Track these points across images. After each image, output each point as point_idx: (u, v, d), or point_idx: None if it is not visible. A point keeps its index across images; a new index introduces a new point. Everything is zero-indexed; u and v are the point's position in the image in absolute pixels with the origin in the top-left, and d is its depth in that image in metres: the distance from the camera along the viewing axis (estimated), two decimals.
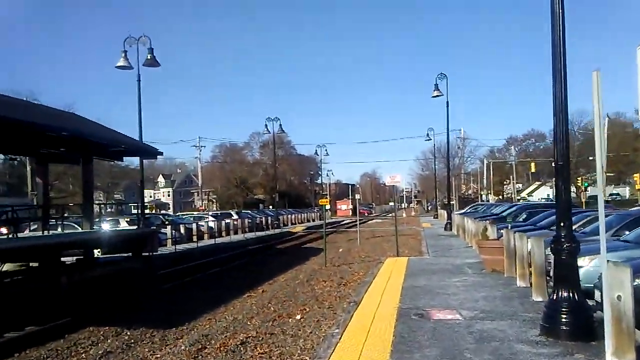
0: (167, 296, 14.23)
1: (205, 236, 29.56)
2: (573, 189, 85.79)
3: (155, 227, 21.02)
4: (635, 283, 5.52)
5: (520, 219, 21.97)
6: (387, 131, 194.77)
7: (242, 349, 8.14)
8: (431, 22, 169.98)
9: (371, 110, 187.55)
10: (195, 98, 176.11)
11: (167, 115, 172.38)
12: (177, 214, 52.11)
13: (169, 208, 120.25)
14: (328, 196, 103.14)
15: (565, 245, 6.54)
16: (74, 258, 16.87)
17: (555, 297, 6.56)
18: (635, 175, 50.94)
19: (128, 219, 25.78)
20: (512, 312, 8.05)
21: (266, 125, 43.02)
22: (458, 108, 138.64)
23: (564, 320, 6.34)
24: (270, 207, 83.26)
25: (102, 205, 37.30)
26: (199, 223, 31.38)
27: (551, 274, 9.66)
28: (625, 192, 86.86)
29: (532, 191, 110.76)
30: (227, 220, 35.13)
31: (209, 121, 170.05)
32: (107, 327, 10.16)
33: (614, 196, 78.56)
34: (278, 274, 17.46)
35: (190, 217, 38.44)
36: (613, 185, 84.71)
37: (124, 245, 18.59)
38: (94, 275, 15.69)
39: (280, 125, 43.60)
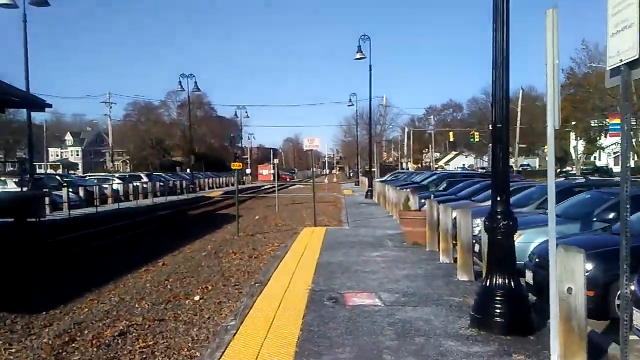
0: (51, 270, 12.31)
1: (109, 200, 27.16)
2: (487, 157, 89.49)
3: (45, 190, 18.60)
4: (587, 272, 4.65)
5: (440, 188, 21.66)
6: (311, 96, 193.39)
7: (119, 341, 6.69)
8: None
9: (296, 74, 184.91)
10: (105, 49, 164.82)
11: (75, 67, 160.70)
12: (85, 175, 48.31)
13: (78, 168, 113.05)
14: (249, 160, 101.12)
15: (502, 224, 5.60)
16: None
17: (488, 282, 5.64)
18: (544, 147, 53.10)
19: (16, 180, 22.89)
20: (437, 295, 7.15)
21: (180, 82, 40.26)
22: (380, 76, 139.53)
23: (498, 311, 5.44)
24: (188, 170, 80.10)
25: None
26: (103, 185, 28.79)
27: (476, 249, 8.94)
28: (535, 163, 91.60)
29: (449, 160, 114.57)
30: (136, 183, 32.63)
31: (121, 77, 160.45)
32: None
33: (525, 167, 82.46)
34: (184, 244, 15.89)
35: (94, 179, 35.43)
36: (523, 157, 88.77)
37: (4, 210, 16.26)
38: None
39: (196, 82, 41.03)
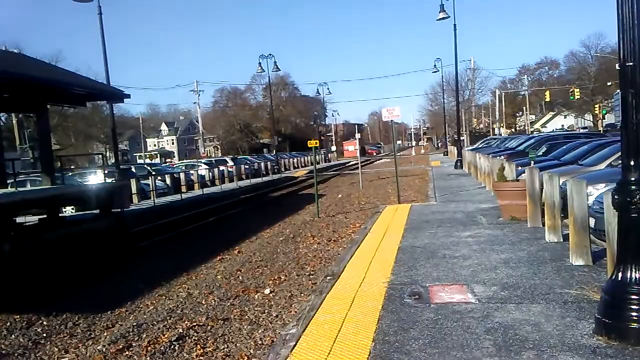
0: (128, 262, 12.17)
1: (196, 186, 27.41)
2: (589, 117, 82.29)
3: (128, 180, 18.81)
4: None
5: (540, 153, 19.42)
6: (394, 66, 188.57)
7: (176, 347, 5.99)
8: None
9: (377, 45, 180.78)
10: (190, 39, 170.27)
11: (162, 59, 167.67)
12: (176, 163, 49.93)
13: (174, 156, 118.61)
14: (334, 137, 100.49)
15: (638, 197, 4.13)
16: (37, 218, 14.99)
17: (620, 275, 4.22)
18: None
19: (106, 171, 23.58)
20: (546, 286, 5.75)
21: (260, 64, 39.95)
22: (467, 37, 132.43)
23: (636, 314, 4.03)
24: (275, 151, 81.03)
25: (102, 157, 35.27)
26: (190, 172, 29.19)
27: (592, 224, 7.35)
28: None
29: (546, 122, 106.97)
30: (222, 168, 32.88)
31: (207, 64, 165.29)
32: (26, 313, 8.06)
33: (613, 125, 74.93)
34: (263, 228, 15.31)
35: (182, 165, 36.24)
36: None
37: (91, 201, 16.54)
38: (51, 237, 13.63)
39: (275, 62, 40.52)
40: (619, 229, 4.32)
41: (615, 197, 4.27)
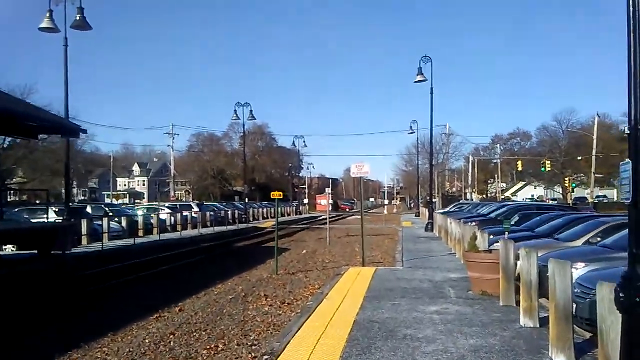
0: (52, 315, 10.73)
1: (154, 230, 25.94)
2: (559, 189, 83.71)
3: (72, 220, 17.39)
4: None
5: (512, 222, 18.79)
6: (371, 124, 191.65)
7: None
8: (417, 13, 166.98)
9: (355, 102, 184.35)
10: (169, 86, 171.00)
11: (141, 102, 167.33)
12: (134, 205, 48.11)
13: (144, 197, 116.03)
14: (307, 190, 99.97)
15: None
16: None
17: None
18: None
19: (56, 209, 22.08)
20: None
21: (235, 111, 39.29)
22: (443, 104, 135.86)
23: None
24: (247, 199, 79.67)
25: (46, 194, 33.62)
26: (149, 215, 27.76)
27: (575, 312, 6.46)
28: (612, 194, 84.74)
29: (517, 191, 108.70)
30: (185, 213, 31.50)
31: (184, 109, 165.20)
32: None
33: (601, 198, 76.27)
34: (215, 282, 14.03)
35: (144, 208, 34.72)
36: (598, 187, 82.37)
37: (28, 240, 15.11)
38: None
39: (251, 111, 39.83)
40: (624, 334, 3.39)
41: (620, 294, 3.36)
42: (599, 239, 10.69)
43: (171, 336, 8.46)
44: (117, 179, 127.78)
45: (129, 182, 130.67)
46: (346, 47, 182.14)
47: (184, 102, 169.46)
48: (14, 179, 71.50)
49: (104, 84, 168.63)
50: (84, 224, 20.48)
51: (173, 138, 75.49)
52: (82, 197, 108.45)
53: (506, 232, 10.26)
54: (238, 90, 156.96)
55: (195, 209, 35.01)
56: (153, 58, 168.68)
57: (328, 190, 29.04)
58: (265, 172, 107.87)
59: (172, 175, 79.80)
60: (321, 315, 7.77)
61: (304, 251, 21.80)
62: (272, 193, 15.09)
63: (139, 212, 29.72)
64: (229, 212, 38.78)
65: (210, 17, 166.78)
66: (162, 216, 28.73)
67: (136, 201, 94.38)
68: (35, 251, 14.69)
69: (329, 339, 6.43)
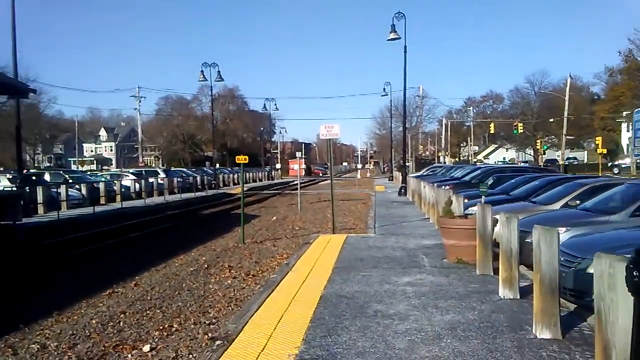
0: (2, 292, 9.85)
1: (117, 198, 24.88)
2: (531, 152, 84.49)
3: (24, 188, 16.29)
4: None
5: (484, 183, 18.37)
6: (344, 87, 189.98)
7: None
8: None
9: (328, 64, 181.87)
10: (136, 45, 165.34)
11: (107, 65, 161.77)
12: (102, 172, 46.46)
13: (112, 164, 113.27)
14: (279, 155, 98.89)
15: None
16: None
17: None
18: (597, 138, 48.62)
19: (10, 177, 20.82)
20: None
21: (202, 72, 37.70)
22: (416, 66, 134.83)
23: None
24: (218, 165, 78.22)
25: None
26: (111, 182, 26.58)
27: (560, 284, 5.91)
28: (583, 156, 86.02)
29: (489, 154, 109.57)
30: (151, 180, 30.38)
31: (152, 71, 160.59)
32: None
33: (571, 160, 77.30)
34: (177, 253, 13.29)
35: (108, 175, 33.41)
36: (569, 150, 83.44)
37: None
38: None
39: (219, 72, 38.31)
40: (637, 319, 2.76)
41: (635, 273, 2.72)
42: (578, 202, 10.24)
43: (122, 315, 7.72)
44: (84, 144, 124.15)
45: (96, 147, 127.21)
46: (320, 7, 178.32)
47: (152, 65, 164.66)
48: None
49: (69, 46, 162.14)
50: (39, 191, 19.37)
51: (140, 101, 72.93)
52: (48, 164, 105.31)
53: (483, 196, 9.72)
54: (207, 52, 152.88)
55: (162, 175, 33.87)
56: (122, 20, 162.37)
57: (299, 154, 28.15)
58: (237, 136, 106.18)
59: (140, 140, 77.46)
60: (285, 290, 7.12)
61: (274, 218, 21.14)
62: (236, 157, 14.22)
63: (102, 179, 28.49)
64: (198, 178, 37.78)
65: None
66: (126, 183, 27.62)
67: (104, 168, 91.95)
68: None
69: (292, 318, 5.77)
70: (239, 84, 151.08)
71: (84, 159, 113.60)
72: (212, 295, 8.81)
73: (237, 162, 14.14)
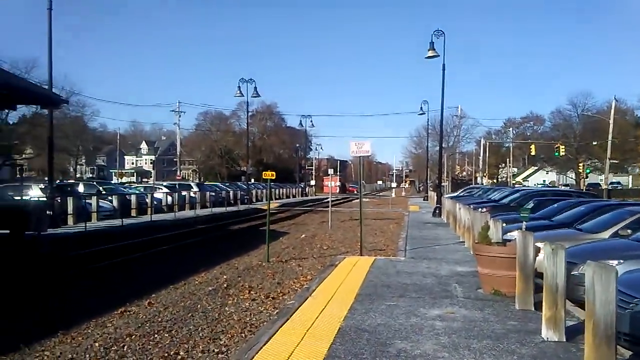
0: (16, 305, 9.57)
1: (149, 211, 24.81)
2: (573, 175, 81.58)
3: (50, 198, 16.23)
4: None
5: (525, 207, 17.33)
6: (382, 106, 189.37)
7: None
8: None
9: (366, 83, 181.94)
10: (178, 60, 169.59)
11: (150, 79, 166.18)
12: (141, 184, 46.93)
13: (152, 176, 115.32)
14: (314, 172, 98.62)
15: None
16: None
17: None
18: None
19: (42, 186, 20.96)
20: None
21: (239, 87, 37.77)
22: (455, 85, 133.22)
23: None
24: (253, 180, 78.47)
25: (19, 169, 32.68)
26: (143, 194, 26.58)
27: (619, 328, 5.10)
28: (627, 181, 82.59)
29: (528, 176, 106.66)
30: (184, 193, 30.33)
31: (193, 87, 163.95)
32: None
33: (615, 185, 74.24)
34: (198, 270, 12.83)
35: (142, 187, 33.60)
36: (612, 174, 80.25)
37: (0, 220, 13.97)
38: None
39: (255, 87, 38.35)
40: None
41: None
42: (629, 231, 9.29)
43: (127, 339, 7.22)
44: (126, 157, 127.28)
45: (136, 160, 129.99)
46: (357, 25, 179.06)
47: (193, 80, 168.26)
48: (24, 155, 71.24)
49: (113, 60, 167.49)
50: (70, 202, 19.37)
51: (180, 115, 74.15)
52: (90, 175, 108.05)
53: (524, 222, 8.89)
54: (248, 70, 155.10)
55: (195, 189, 33.83)
56: (166, 36, 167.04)
57: (331, 171, 27.62)
58: (274, 152, 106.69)
59: (178, 154, 78.63)
60: (300, 320, 6.49)
61: (303, 235, 20.56)
62: (263, 173, 13.76)
63: (135, 192, 28.58)
64: (231, 193, 37.64)
65: None
66: (158, 196, 27.60)
67: (144, 180, 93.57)
68: (8, 231, 13.60)
69: (302, 355, 5.14)
70: (277, 101, 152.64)
71: (125, 170, 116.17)
72: (226, 319, 8.24)
73: (264, 177, 13.67)
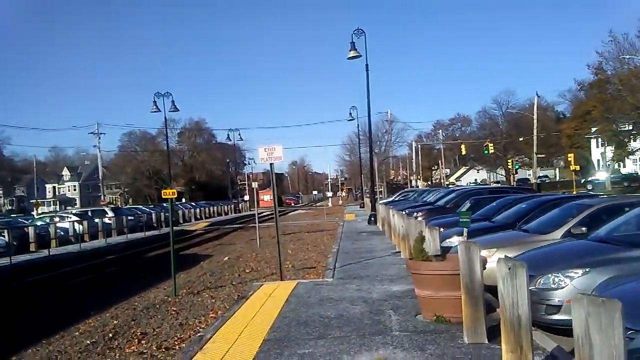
0: None
1: (53, 243, 21.90)
2: (502, 172, 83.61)
3: None
4: None
5: (463, 210, 16.10)
6: (313, 115, 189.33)
7: None
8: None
9: (295, 93, 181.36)
10: (96, 80, 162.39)
11: (64, 98, 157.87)
12: (34, 214, 42.49)
13: (76, 204, 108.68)
14: (247, 187, 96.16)
15: None
16: None
17: None
18: (569, 155, 47.35)
19: None
20: None
21: (155, 102, 35.03)
22: (383, 91, 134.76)
23: None
24: (183, 200, 74.98)
25: None
26: (43, 226, 23.55)
27: None
28: (554, 174, 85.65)
29: (460, 176, 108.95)
30: (97, 220, 27.38)
31: (112, 106, 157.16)
32: None
33: (543, 178, 76.53)
34: (86, 315, 10.56)
35: (47, 217, 30.24)
36: (539, 168, 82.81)
37: None
38: None
39: (173, 102, 35.78)
40: None
41: None
42: (584, 229, 7.98)
43: None
44: (47, 185, 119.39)
45: (58, 187, 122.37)
46: (280, 32, 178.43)
47: (112, 100, 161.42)
48: None
49: (23, 85, 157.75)
50: None
51: (99, 137, 69.66)
52: (10, 207, 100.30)
53: (465, 230, 7.37)
54: (173, 88, 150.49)
55: (110, 214, 30.81)
56: (82, 55, 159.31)
57: (255, 184, 25.81)
58: (206, 169, 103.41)
59: (101, 177, 73.93)
60: None
61: (226, 258, 18.47)
62: (163, 192, 11.68)
63: (38, 223, 25.41)
64: (153, 216, 34.80)
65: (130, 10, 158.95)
66: (64, 225, 24.61)
67: (67, 208, 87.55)
68: None
69: None
70: (207, 117, 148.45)
71: (46, 199, 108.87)
72: None
73: (164, 197, 11.60)
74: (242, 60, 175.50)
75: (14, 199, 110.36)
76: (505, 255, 8.23)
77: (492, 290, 7.51)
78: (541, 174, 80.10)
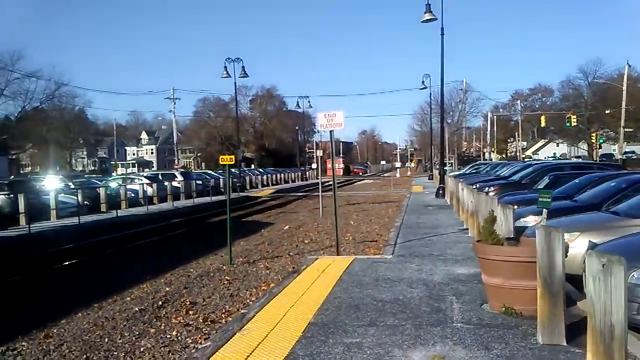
0: None
1: (123, 204, 22.55)
2: (584, 146, 78.39)
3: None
4: None
5: (540, 187, 14.74)
6: (385, 84, 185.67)
7: None
8: None
9: (367, 62, 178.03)
10: (173, 46, 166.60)
11: (144, 64, 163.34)
12: (113, 176, 44.16)
13: (153, 166, 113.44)
14: (315, 155, 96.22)
15: None
16: None
17: None
18: None
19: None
20: None
21: (225, 68, 35.14)
22: (460, 59, 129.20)
23: None
24: (252, 166, 76.19)
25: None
26: (112, 188, 24.28)
27: None
28: None
29: (538, 149, 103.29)
30: (165, 183, 28.00)
31: (189, 73, 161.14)
32: None
33: (629, 154, 70.95)
34: (141, 280, 10.52)
35: (120, 179, 31.29)
36: (626, 143, 76.76)
37: None
38: None
39: (243, 67, 35.73)
40: None
41: None
42: None
43: None
44: (127, 148, 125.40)
45: (137, 151, 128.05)
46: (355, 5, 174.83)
47: (188, 66, 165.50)
48: (26, 150, 70.24)
49: (104, 51, 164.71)
50: (20, 200, 17.11)
51: (174, 103, 71.66)
52: (93, 168, 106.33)
53: (545, 211, 6.40)
54: (245, 55, 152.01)
55: (180, 178, 31.42)
56: (158, 19, 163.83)
57: (319, 152, 25.27)
58: (276, 137, 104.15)
59: (175, 142, 76.37)
60: None
61: (287, 227, 18.18)
62: (220, 157, 11.35)
63: (111, 184, 26.28)
64: (221, 181, 35.26)
65: None
66: (135, 187, 25.30)
67: (145, 170, 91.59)
68: None
69: None
70: (278, 84, 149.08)
71: (126, 162, 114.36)
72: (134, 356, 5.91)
73: (221, 163, 11.28)
74: (313, 27, 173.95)
75: (96, 160, 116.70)
76: (590, 241, 7.25)
77: (573, 279, 6.59)
78: (627, 150, 74.33)
